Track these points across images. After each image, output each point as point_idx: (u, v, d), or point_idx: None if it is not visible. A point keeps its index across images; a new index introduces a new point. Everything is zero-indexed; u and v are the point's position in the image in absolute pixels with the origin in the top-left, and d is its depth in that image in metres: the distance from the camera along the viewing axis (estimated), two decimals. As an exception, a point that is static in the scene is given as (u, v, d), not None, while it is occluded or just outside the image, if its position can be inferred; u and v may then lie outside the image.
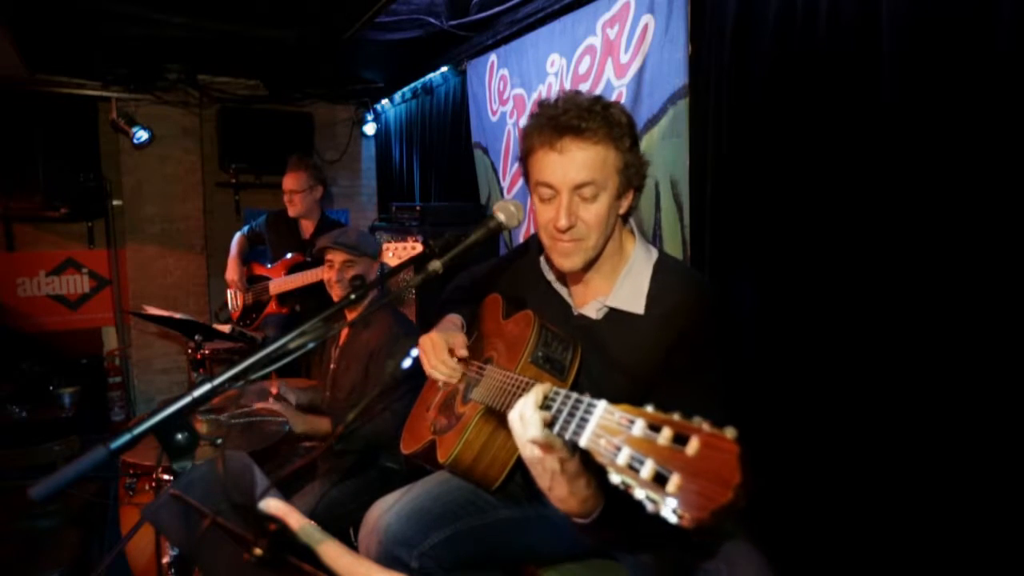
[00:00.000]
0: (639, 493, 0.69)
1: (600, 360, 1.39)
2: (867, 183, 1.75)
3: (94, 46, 4.00)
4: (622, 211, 1.38)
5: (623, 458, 0.73)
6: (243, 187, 5.16)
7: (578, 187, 1.28)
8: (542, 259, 1.57)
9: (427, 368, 1.51)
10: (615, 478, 0.73)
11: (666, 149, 2.39)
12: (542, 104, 1.34)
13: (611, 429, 0.78)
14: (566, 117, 1.27)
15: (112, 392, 4.92)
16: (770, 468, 1.95)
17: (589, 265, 1.39)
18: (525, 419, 1.00)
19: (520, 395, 1.18)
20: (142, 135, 4.63)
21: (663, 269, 1.41)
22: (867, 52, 1.73)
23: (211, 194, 5.10)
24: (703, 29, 2.24)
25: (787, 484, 1.93)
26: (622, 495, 0.72)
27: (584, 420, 0.85)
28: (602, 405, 0.83)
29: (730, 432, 0.67)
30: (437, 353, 1.49)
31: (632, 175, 1.34)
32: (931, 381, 1.62)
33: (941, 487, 1.60)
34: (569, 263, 1.36)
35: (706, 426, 0.68)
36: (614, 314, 1.39)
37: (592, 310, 1.43)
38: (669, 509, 0.66)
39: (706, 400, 1.26)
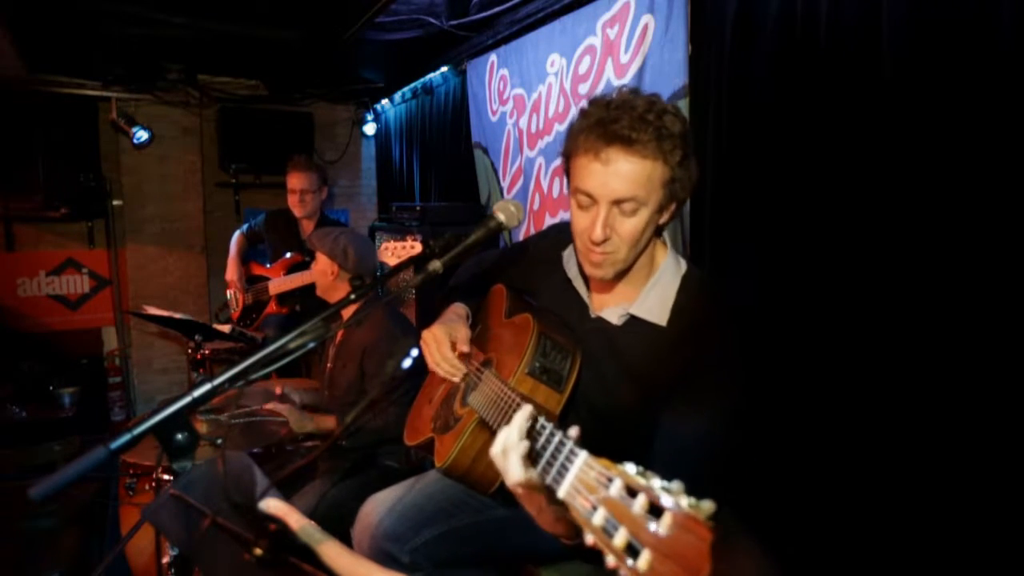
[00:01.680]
0: (610, 560, 0.67)
1: (615, 367, 1.36)
2: (867, 183, 1.75)
3: (94, 46, 4.00)
4: (662, 222, 1.31)
5: (599, 519, 0.71)
6: (243, 187, 5.16)
7: (618, 202, 1.22)
8: (565, 254, 1.51)
9: (430, 363, 1.49)
10: (588, 538, 0.71)
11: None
12: (594, 102, 1.26)
13: (589, 485, 0.76)
14: (617, 126, 1.17)
15: (112, 392, 4.92)
16: (770, 466, 1.95)
17: (620, 276, 1.35)
18: (507, 455, 0.97)
19: (510, 417, 1.15)
20: (142, 135, 4.62)
21: (691, 283, 1.36)
22: (867, 52, 1.73)
23: (211, 194, 5.09)
24: (703, 29, 2.24)
25: (788, 482, 1.93)
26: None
27: (564, 468, 0.82)
28: (582, 457, 0.80)
29: (706, 509, 0.63)
30: (440, 349, 1.46)
31: (678, 189, 1.25)
32: (931, 379, 1.62)
33: (944, 485, 1.60)
34: (600, 273, 1.32)
35: (684, 502, 0.64)
36: (635, 322, 1.35)
37: (614, 316, 1.38)
38: None
39: (719, 426, 1.23)
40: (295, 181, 3.62)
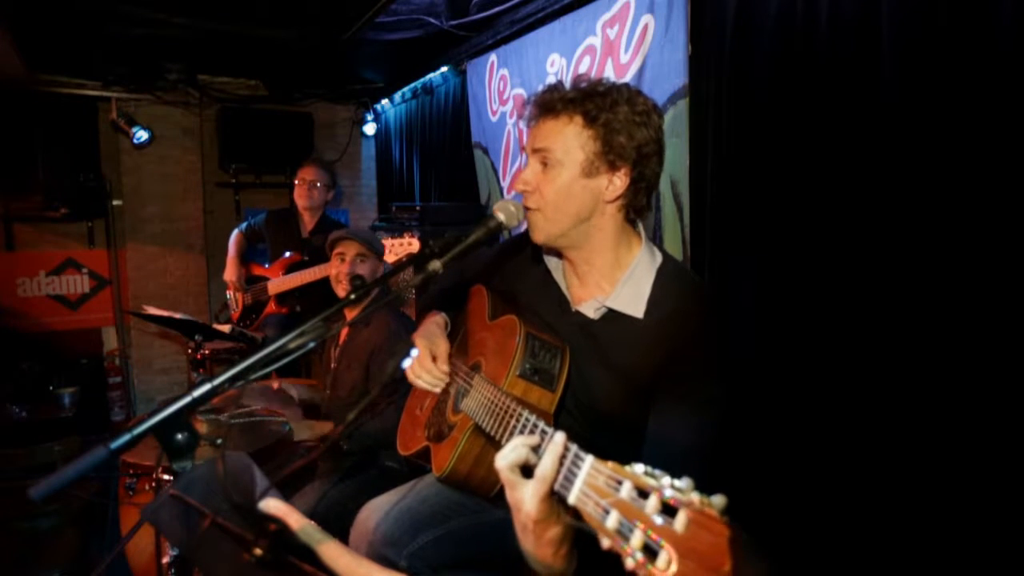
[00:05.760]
0: (629, 562, 0.66)
1: (595, 361, 1.36)
2: (867, 183, 1.75)
3: (94, 46, 4.00)
4: (607, 198, 1.31)
5: (612, 523, 0.70)
6: (243, 187, 5.16)
7: (536, 151, 1.33)
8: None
9: (411, 377, 1.50)
10: (605, 542, 0.70)
11: (666, 149, 2.38)
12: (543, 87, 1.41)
13: (599, 489, 0.75)
14: (536, 97, 1.36)
15: (112, 392, 4.92)
16: (770, 467, 1.95)
17: (563, 245, 1.38)
18: (514, 469, 0.92)
19: (508, 424, 1.15)
20: (142, 135, 4.62)
21: (667, 274, 1.37)
22: (867, 52, 1.73)
23: (211, 194, 5.09)
24: (703, 29, 2.24)
25: (786, 483, 1.93)
26: (613, 560, 0.69)
27: (572, 474, 0.82)
28: (589, 461, 0.79)
29: (719, 503, 0.63)
30: (421, 361, 1.48)
31: (604, 153, 1.28)
32: (930, 380, 1.62)
33: (942, 486, 1.60)
34: (532, 236, 1.38)
35: (695, 498, 0.64)
36: (613, 315, 1.36)
37: (591, 309, 1.39)
38: None
39: (701, 415, 1.24)
40: (307, 172, 3.69)
